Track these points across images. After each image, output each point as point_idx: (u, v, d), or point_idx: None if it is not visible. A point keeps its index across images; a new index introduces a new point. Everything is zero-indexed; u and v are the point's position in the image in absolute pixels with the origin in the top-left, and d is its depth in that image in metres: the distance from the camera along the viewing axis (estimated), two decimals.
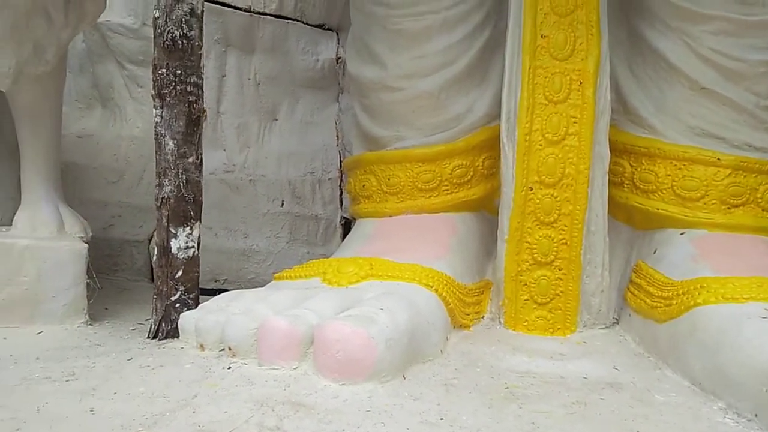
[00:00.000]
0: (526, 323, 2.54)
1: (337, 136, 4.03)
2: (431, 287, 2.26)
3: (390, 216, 2.82)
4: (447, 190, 2.77)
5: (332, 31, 4.03)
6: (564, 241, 2.51)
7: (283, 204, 3.78)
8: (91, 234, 2.75)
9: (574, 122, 2.49)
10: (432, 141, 2.78)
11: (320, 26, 3.98)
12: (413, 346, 1.93)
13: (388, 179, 2.82)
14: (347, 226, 3.91)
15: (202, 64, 2.26)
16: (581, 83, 2.50)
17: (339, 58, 4.01)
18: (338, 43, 4.03)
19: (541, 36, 2.50)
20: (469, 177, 2.78)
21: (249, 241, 3.68)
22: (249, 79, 3.83)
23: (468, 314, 2.48)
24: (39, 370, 1.89)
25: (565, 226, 2.50)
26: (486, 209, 2.88)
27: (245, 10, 3.68)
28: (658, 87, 2.64)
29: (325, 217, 3.90)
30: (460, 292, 2.42)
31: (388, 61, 2.78)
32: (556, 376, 2.04)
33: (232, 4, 3.62)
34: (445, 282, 2.33)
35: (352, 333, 1.73)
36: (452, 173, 2.76)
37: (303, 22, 3.90)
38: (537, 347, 2.33)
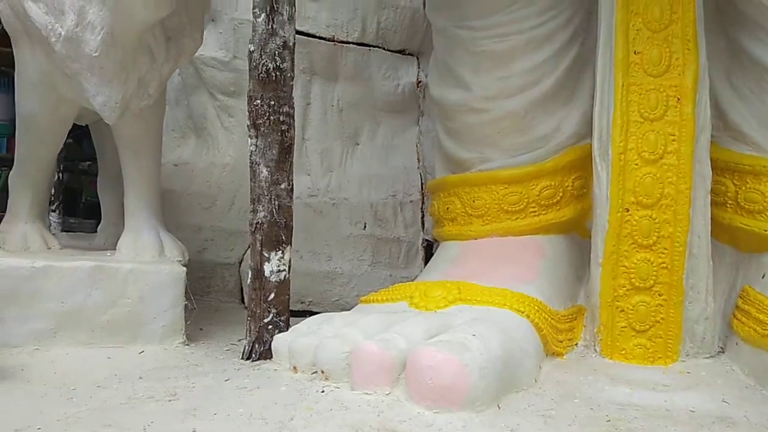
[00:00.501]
0: (623, 352, 2.42)
1: (419, 159, 4.05)
2: (522, 313, 2.20)
3: (475, 239, 2.78)
4: (534, 212, 2.71)
5: (413, 55, 4.09)
6: (664, 264, 2.38)
7: (365, 227, 3.82)
8: (188, 257, 2.88)
9: (673, 140, 2.37)
10: (518, 162, 2.73)
11: (401, 52, 4.04)
12: (507, 374, 1.88)
13: (473, 201, 2.79)
14: (429, 248, 3.90)
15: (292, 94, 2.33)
16: (679, 99, 2.39)
17: (419, 81, 4.05)
18: (419, 68, 4.07)
19: (634, 52, 2.41)
20: (558, 198, 2.71)
21: (333, 264, 3.74)
22: (332, 105, 3.93)
23: (561, 341, 2.39)
24: (143, 390, 1.98)
25: (665, 249, 2.38)
26: (576, 231, 2.79)
27: (329, 40, 3.80)
28: (762, 101, 2.48)
29: (407, 239, 3.90)
30: (552, 318, 2.34)
31: (472, 82, 2.77)
32: (660, 408, 1.92)
33: (317, 35, 3.74)
34: (536, 307, 2.26)
35: (444, 360, 1.70)
36: (540, 194, 2.69)
37: (384, 49, 3.97)
38: (637, 377, 2.21)
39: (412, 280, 3.51)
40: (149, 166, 2.84)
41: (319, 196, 3.79)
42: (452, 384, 1.70)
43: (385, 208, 3.88)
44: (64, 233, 3.98)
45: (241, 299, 3.75)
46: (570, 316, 2.53)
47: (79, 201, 7.87)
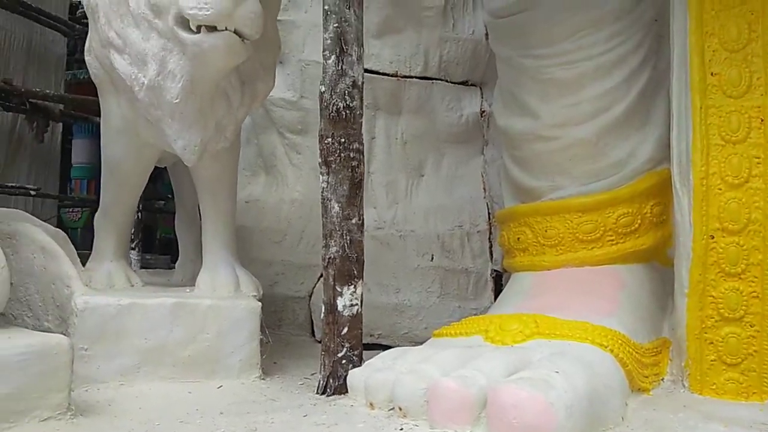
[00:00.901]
0: (714, 387, 2.28)
1: (484, 188, 4.02)
2: (606, 347, 2.11)
3: (549, 269, 2.72)
4: (612, 240, 2.62)
5: (475, 86, 4.09)
6: (755, 294, 2.24)
7: (432, 258, 3.80)
8: (262, 292, 2.94)
9: (758, 163, 2.26)
10: (592, 189, 2.66)
11: (464, 83, 4.06)
12: (593, 412, 1.81)
13: (545, 231, 2.73)
14: (499, 279, 3.84)
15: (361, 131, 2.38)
16: (762, 120, 2.28)
17: (483, 111, 4.04)
18: (482, 97, 4.07)
19: (711, 74, 2.33)
20: (637, 225, 2.62)
21: (401, 296, 3.73)
22: (396, 138, 3.97)
23: (647, 376, 2.28)
24: (224, 425, 2.01)
25: (755, 277, 2.24)
26: (657, 260, 2.68)
27: (392, 75, 3.87)
28: None
29: (476, 270, 3.85)
30: (636, 352, 2.24)
31: (539, 110, 2.75)
32: None
33: (381, 71, 3.81)
34: (620, 341, 2.17)
35: (529, 398, 1.65)
36: (617, 222, 2.61)
37: (447, 81, 4.00)
38: (732, 415, 2.07)
39: (483, 312, 3.46)
40: (225, 205, 2.95)
41: (385, 228, 3.81)
42: (538, 423, 1.64)
43: (452, 239, 3.86)
44: (143, 270, 4.16)
45: (311, 332, 3.79)
46: (655, 350, 2.41)
47: (154, 238, 8.24)
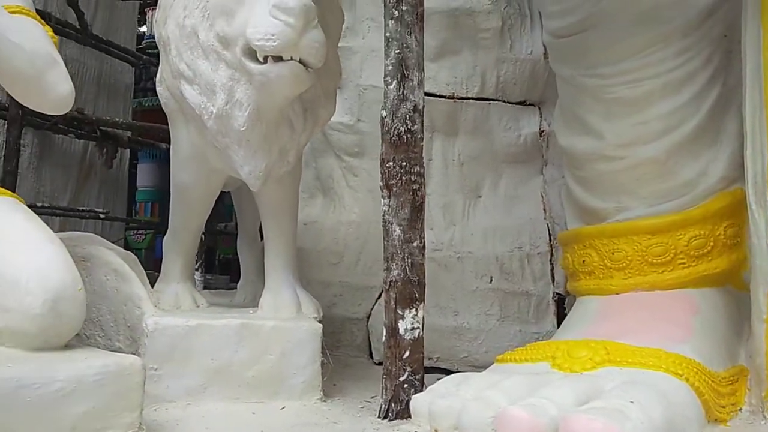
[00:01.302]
0: None
1: (545, 209, 3.95)
2: (681, 376, 2.02)
3: (617, 293, 2.63)
4: (683, 263, 2.52)
5: (534, 106, 4.05)
6: None
7: (491, 280, 3.75)
8: (322, 314, 2.97)
9: None
10: (661, 210, 2.58)
11: (521, 103, 4.02)
12: None
13: (612, 254, 2.66)
14: (561, 302, 3.74)
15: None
16: None
17: (542, 131, 3.99)
18: (541, 117, 4.02)
19: None
20: (710, 248, 2.51)
21: (460, 319, 3.69)
22: (453, 160, 3.96)
23: (724, 407, 2.17)
24: None
25: None
26: (731, 283, 2.56)
27: (449, 97, 3.87)
28: None
29: (536, 293, 3.77)
30: (713, 381, 2.14)
31: (604, 130, 2.69)
32: None
33: (437, 93, 3.83)
34: (695, 369, 2.07)
35: (603, 429, 1.59)
36: (689, 245, 2.51)
37: (504, 101, 3.97)
38: None
39: (545, 337, 3.38)
40: (287, 228, 3.01)
41: (443, 250, 3.79)
42: None
43: (512, 260, 3.80)
44: (205, 291, 4.27)
45: (369, 354, 3.79)
46: (731, 378, 2.29)
47: (215, 258, 8.48)
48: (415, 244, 2.35)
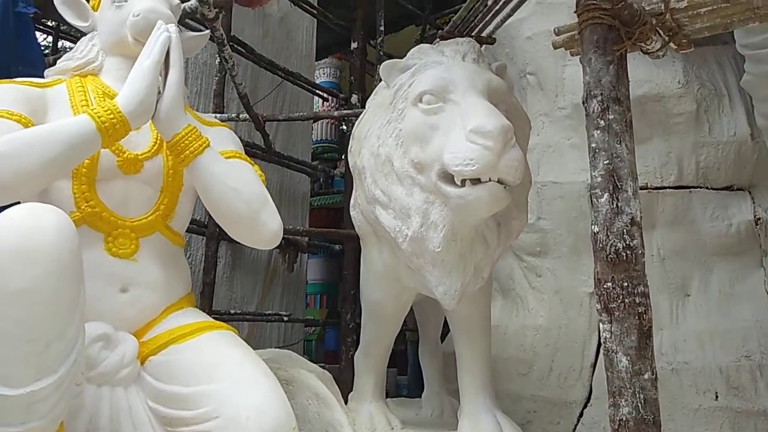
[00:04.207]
0: None
1: None
2: None
3: None
4: None
5: (743, 190, 3.59)
6: None
7: (717, 397, 3.22)
8: None
9: None
10: None
11: (728, 188, 3.59)
12: None
13: None
14: None
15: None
16: None
17: (758, 219, 3.49)
18: (753, 203, 3.54)
19: None
20: None
21: None
22: (652, 255, 3.58)
23: None
24: None
25: None
26: None
27: (642, 188, 3.56)
28: None
29: None
30: None
31: None
32: None
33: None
34: None
35: None
36: None
37: (707, 188, 3.57)
38: None
39: None
40: (481, 345, 2.85)
41: None
42: None
43: (739, 372, 3.25)
44: (389, 399, 4.18)
45: None
46: None
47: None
48: (646, 376, 2.05)
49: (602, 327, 2.13)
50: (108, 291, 2.21)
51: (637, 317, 2.08)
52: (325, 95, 6.58)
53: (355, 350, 4.75)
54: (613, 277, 2.10)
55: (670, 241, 3.56)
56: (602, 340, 2.14)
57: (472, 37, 3.55)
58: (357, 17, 5.42)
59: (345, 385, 4.64)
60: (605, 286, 2.11)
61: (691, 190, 3.56)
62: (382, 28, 5.05)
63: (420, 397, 3.68)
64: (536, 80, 3.99)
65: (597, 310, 2.16)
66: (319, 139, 9.90)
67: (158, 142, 2.37)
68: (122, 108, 2.06)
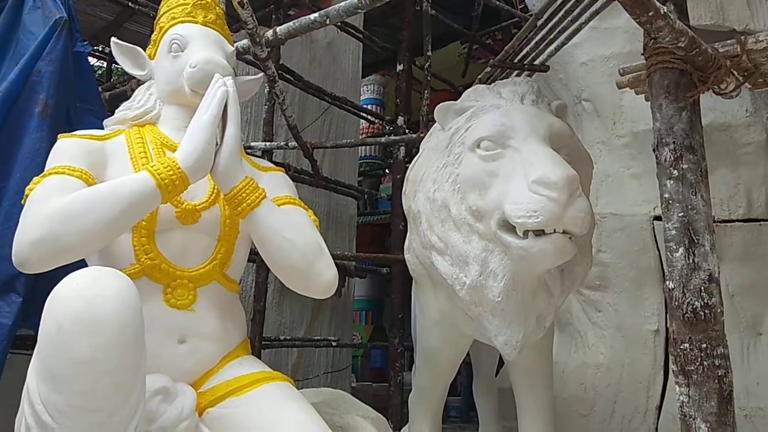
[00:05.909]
0: None
1: None
2: None
3: None
4: None
5: None
6: None
7: None
8: None
9: None
10: None
11: None
12: None
13: None
14: None
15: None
16: None
17: None
18: None
19: None
20: None
21: None
22: None
23: None
24: None
25: None
26: None
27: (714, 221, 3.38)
28: None
29: None
30: None
31: None
32: None
33: None
34: None
35: None
36: None
37: None
38: None
39: None
40: (544, 397, 2.74)
41: None
42: None
43: None
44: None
45: None
46: None
47: None
48: None
49: (678, 390, 2.01)
50: (166, 343, 2.20)
51: (716, 381, 1.95)
52: (372, 118, 6.57)
53: (404, 373, 4.71)
54: (690, 337, 1.98)
55: (740, 276, 3.37)
56: (679, 405, 2.01)
57: (524, 65, 3.46)
58: (403, 39, 5.38)
59: (395, 410, 4.58)
60: (682, 347, 1.99)
61: (761, 223, 3.37)
62: (429, 53, 4.97)
63: (470, 420, 3.59)
64: (592, 107, 3.86)
65: (673, 371, 2.04)
66: (364, 155, 9.91)
67: (215, 191, 2.36)
68: (181, 163, 2.05)
